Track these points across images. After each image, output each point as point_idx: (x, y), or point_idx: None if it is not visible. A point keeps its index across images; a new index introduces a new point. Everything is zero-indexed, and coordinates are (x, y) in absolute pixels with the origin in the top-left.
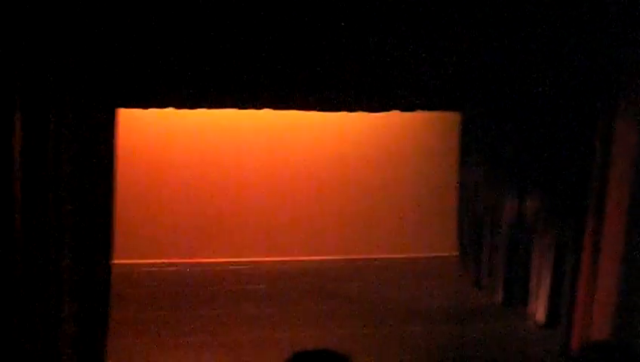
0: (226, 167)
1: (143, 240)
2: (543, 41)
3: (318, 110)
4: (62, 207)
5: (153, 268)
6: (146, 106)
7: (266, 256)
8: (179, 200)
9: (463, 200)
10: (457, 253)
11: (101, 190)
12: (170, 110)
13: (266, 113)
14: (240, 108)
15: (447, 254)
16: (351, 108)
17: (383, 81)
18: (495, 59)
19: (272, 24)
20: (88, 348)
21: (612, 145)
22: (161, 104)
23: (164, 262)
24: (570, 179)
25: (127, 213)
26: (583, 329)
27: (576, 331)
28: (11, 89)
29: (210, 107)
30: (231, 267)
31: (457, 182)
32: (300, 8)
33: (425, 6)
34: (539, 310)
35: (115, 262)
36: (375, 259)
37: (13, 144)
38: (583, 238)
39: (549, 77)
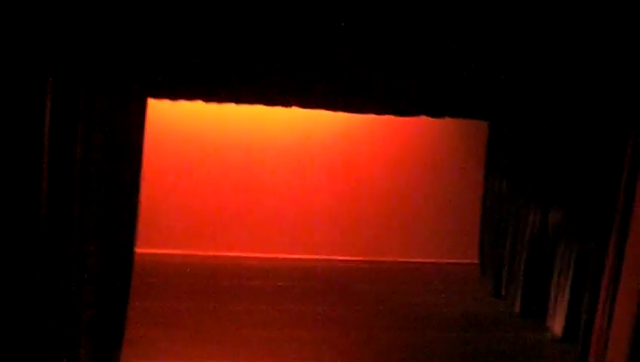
0: (251, 164)
1: (164, 231)
2: (575, 55)
3: (346, 111)
4: (88, 194)
5: (170, 259)
6: (175, 98)
7: (285, 253)
8: (202, 193)
9: (487, 209)
10: (478, 261)
11: (128, 178)
12: (200, 104)
13: (294, 112)
14: (268, 105)
15: (467, 261)
16: (379, 111)
17: (413, 86)
18: (527, 70)
19: (305, 20)
20: (106, 335)
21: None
22: (190, 97)
23: (185, 254)
24: (595, 194)
25: (150, 204)
26: (599, 346)
27: (594, 348)
28: (43, 74)
29: (238, 102)
30: (250, 262)
31: (482, 191)
32: (334, 6)
33: (461, 13)
34: (556, 323)
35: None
36: (393, 263)
37: (43, 129)
38: (606, 254)
39: (579, 90)
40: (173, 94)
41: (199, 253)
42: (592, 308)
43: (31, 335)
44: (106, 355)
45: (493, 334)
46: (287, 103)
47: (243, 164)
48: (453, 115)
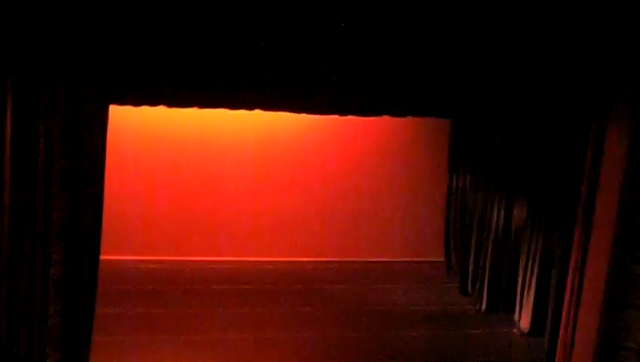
0: (215, 167)
1: (128, 237)
2: (534, 49)
3: (309, 112)
4: (52, 202)
5: (139, 265)
6: (137, 104)
7: (253, 256)
8: (164, 198)
9: (451, 207)
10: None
11: (92, 186)
12: (160, 108)
13: (257, 114)
14: (231, 108)
15: (434, 259)
16: (342, 112)
17: (375, 86)
18: (486, 68)
19: (265, 26)
20: (73, 343)
21: (602, 156)
22: (153, 102)
23: (149, 259)
24: (558, 188)
25: (114, 210)
26: (567, 338)
27: (561, 340)
28: (3, 79)
29: (201, 107)
30: (218, 266)
31: (446, 189)
32: (293, 11)
33: (416, 13)
34: (523, 318)
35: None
36: (361, 262)
37: (3, 138)
38: (571, 248)
39: (539, 86)
40: (135, 100)
41: (165, 258)
42: (559, 301)
43: None
44: None
45: (461, 331)
46: (249, 107)
47: (206, 167)
48: (415, 114)
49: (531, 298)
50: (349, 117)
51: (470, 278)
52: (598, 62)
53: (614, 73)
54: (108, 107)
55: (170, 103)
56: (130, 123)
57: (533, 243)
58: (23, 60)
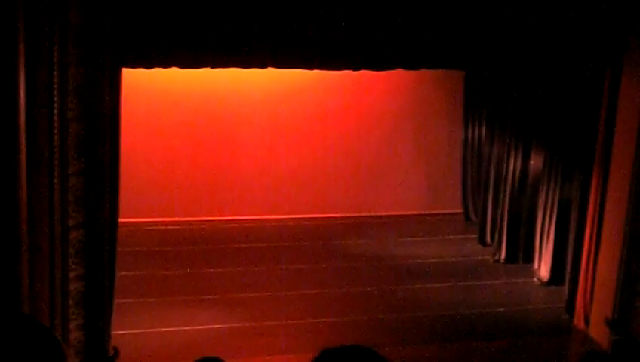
0: (228, 127)
1: (146, 199)
2: None
3: (322, 68)
4: (68, 167)
5: (157, 226)
6: (149, 66)
7: (269, 214)
8: (181, 159)
9: (467, 158)
10: (462, 211)
11: (107, 149)
12: (174, 71)
13: (270, 72)
14: (244, 67)
15: (452, 211)
16: (355, 66)
17: (386, 39)
18: (499, 17)
19: None
20: (95, 306)
21: (618, 102)
22: (165, 63)
23: (167, 221)
24: (575, 135)
25: (130, 172)
26: (587, 286)
27: (581, 288)
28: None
29: (214, 67)
30: (235, 225)
31: (462, 140)
32: None
33: None
34: (543, 267)
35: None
36: (379, 217)
37: (17, 104)
38: (588, 195)
39: (554, 33)
40: (148, 62)
41: (182, 219)
42: (578, 249)
43: (21, 312)
44: (98, 326)
45: (481, 281)
46: (262, 65)
47: (221, 127)
48: (428, 66)
49: (550, 247)
50: (363, 72)
51: (489, 229)
52: (609, 7)
53: (626, 17)
54: (121, 70)
55: (183, 64)
56: (143, 84)
57: (551, 192)
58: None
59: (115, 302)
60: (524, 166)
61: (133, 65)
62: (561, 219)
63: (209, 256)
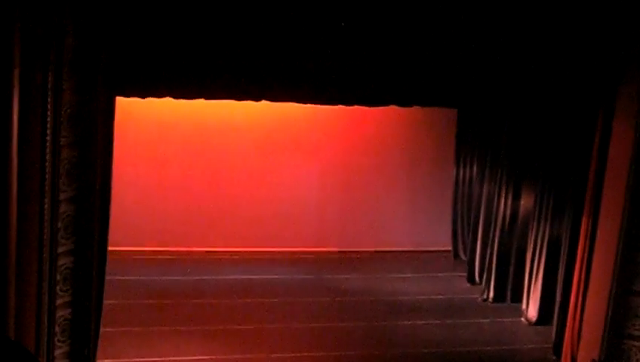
0: (220, 156)
1: (135, 228)
2: (541, 39)
3: (315, 103)
4: (59, 193)
5: (146, 256)
6: (143, 95)
7: (258, 247)
8: (171, 189)
9: (458, 196)
10: (451, 249)
11: (100, 176)
12: (167, 100)
13: (263, 104)
14: (237, 99)
15: (441, 249)
16: (349, 102)
17: (381, 76)
18: (492, 57)
19: (271, 18)
20: (82, 335)
21: (610, 144)
22: (159, 94)
23: (156, 250)
24: (566, 177)
25: (121, 201)
26: (575, 327)
27: (569, 329)
28: (9, 66)
29: (208, 98)
30: (224, 256)
31: (453, 178)
32: (299, 3)
33: (423, 4)
34: (531, 307)
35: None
36: (369, 252)
37: (10, 128)
38: (578, 237)
39: (546, 75)
40: (142, 91)
41: (172, 248)
42: (566, 290)
43: (8, 340)
44: (83, 355)
45: (469, 320)
46: (256, 98)
47: (212, 158)
48: (421, 103)
49: (538, 287)
50: (356, 107)
51: (477, 268)
52: (603, 50)
53: (618, 60)
54: (115, 98)
55: (177, 95)
56: (135, 113)
57: (541, 232)
58: (31, 48)
59: (101, 330)
60: (514, 205)
61: (127, 94)
62: (550, 259)
63: (196, 287)
